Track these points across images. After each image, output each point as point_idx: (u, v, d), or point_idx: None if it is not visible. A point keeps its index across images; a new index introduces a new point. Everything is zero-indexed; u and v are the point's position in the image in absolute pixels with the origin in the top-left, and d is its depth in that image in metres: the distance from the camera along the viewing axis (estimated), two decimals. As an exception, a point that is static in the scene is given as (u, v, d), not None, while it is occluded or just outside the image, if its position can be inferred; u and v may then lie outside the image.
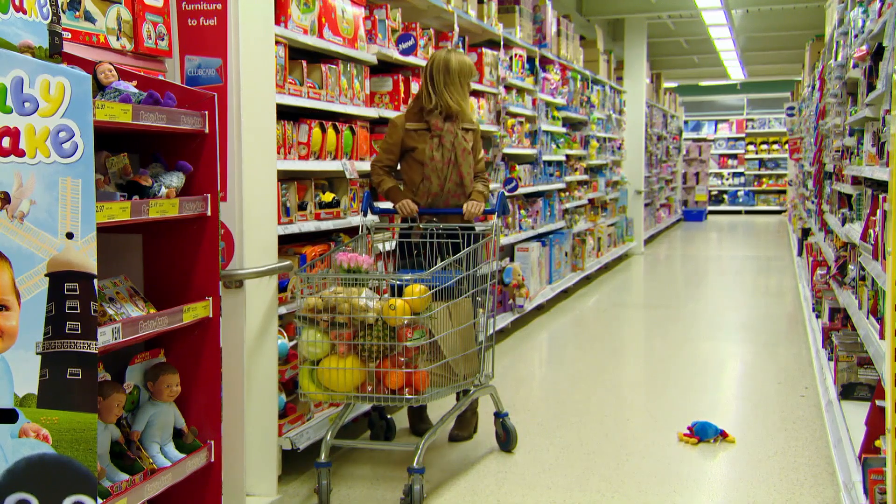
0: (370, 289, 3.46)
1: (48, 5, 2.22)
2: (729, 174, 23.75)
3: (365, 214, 4.10)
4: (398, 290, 3.62)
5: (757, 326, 7.54)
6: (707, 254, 14.07)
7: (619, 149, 12.53)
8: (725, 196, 23.65)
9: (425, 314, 3.41)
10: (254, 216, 3.26)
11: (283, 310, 3.75)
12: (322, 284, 3.52)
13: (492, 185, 6.42)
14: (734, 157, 23.81)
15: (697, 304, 8.93)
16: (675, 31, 15.27)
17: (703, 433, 4.22)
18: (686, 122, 23.16)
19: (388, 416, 4.18)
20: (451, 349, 3.58)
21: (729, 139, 23.92)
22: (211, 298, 2.69)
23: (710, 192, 22.49)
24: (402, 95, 5.02)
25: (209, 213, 2.65)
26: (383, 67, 4.98)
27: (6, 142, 1.89)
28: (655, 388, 5.49)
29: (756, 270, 11.68)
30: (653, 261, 12.64)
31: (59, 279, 1.91)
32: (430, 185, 4.07)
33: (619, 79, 13.19)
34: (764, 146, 23.56)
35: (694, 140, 22.91)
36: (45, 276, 1.91)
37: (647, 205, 14.28)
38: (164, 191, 2.43)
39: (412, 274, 3.51)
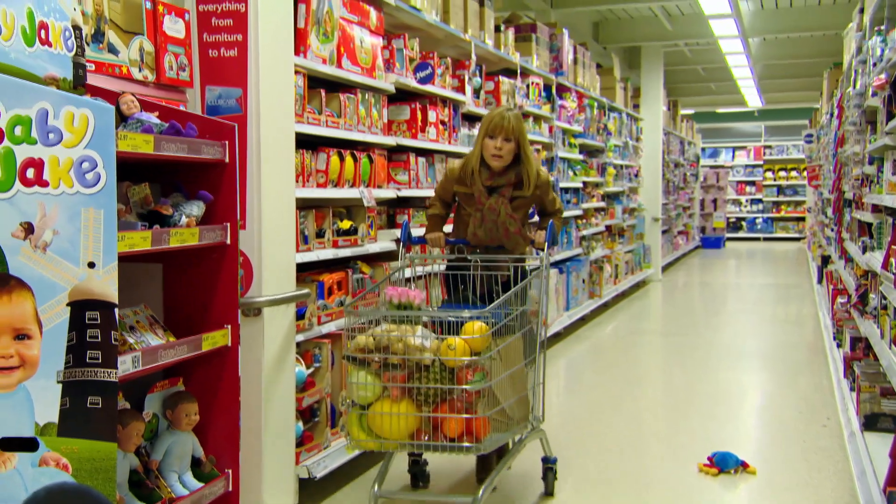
0: (424, 326, 3.25)
1: (73, 38, 2.26)
2: (747, 201, 23.66)
3: (405, 245, 3.88)
4: (449, 328, 3.34)
5: (777, 355, 7.46)
6: (725, 281, 13.98)
7: (636, 176, 12.52)
8: (744, 223, 23.54)
9: (486, 354, 3.17)
10: (272, 244, 3.28)
11: (300, 337, 3.75)
12: (371, 321, 3.26)
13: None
14: (752, 183, 23.72)
15: (716, 332, 8.86)
16: (692, 59, 15.30)
17: (723, 464, 4.17)
18: (703, 149, 23.12)
19: (425, 462, 3.97)
20: (505, 392, 3.35)
21: (747, 166, 23.85)
22: (230, 327, 2.70)
23: (728, 218, 22.39)
24: (420, 123, 5.05)
25: (228, 241, 2.67)
26: (401, 96, 5.01)
27: (30, 173, 1.91)
28: (675, 417, 5.43)
29: (775, 298, 11.59)
30: (671, 288, 12.58)
31: (81, 308, 1.93)
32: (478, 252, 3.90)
33: (636, 106, 13.22)
34: (782, 173, 23.47)
35: (711, 167, 22.86)
36: (67, 305, 1.92)
37: (664, 232, 14.24)
38: (184, 220, 2.45)
39: (468, 310, 3.30)
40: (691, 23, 12.25)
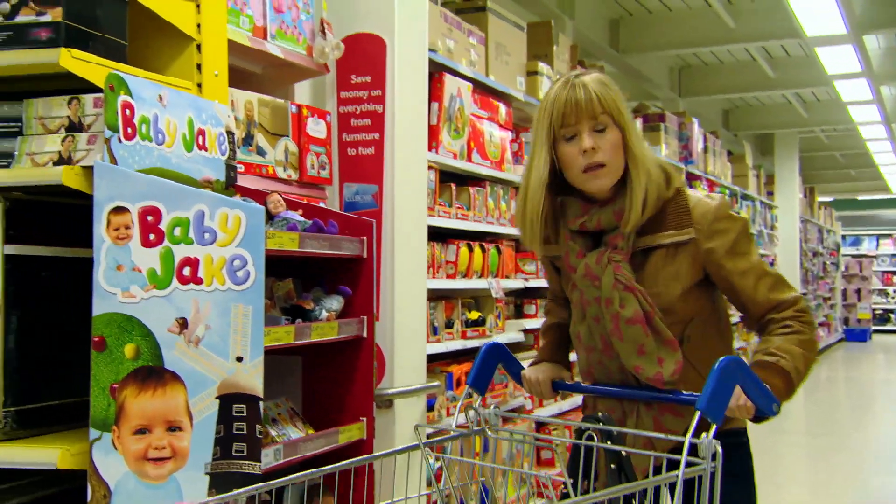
0: None
1: (226, 142, 2.42)
2: (895, 292, 22.30)
3: (480, 390, 2.12)
4: None
5: (937, 460, 6.89)
6: (873, 377, 13.10)
7: (772, 265, 12.07)
8: (892, 315, 22.12)
9: None
10: (404, 336, 3.32)
11: (429, 430, 3.75)
12: None
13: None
14: (900, 273, 22.41)
15: (866, 432, 8.27)
16: (829, 145, 14.81)
17: (882, 581, 3.83)
18: (844, 237, 22.09)
19: None
20: None
21: (893, 255, 22.57)
22: (365, 420, 2.73)
23: (873, 310, 21.12)
24: (548, 215, 5.08)
25: (365, 335, 2.73)
26: (530, 188, 5.07)
27: (187, 271, 2.04)
28: (823, 525, 5.06)
29: (931, 396, 10.77)
30: (813, 383, 11.89)
31: (229, 401, 2.00)
32: (594, 371, 2.09)
33: (770, 193, 12.85)
34: (934, 262, 22.09)
35: (853, 256, 21.77)
36: (216, 398, 2.00)
37: (803, 323, 13.56)
38: (324, 314, 2.53)
39: None
40: (828, 109, 11.91)
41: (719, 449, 1.53)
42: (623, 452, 1.78)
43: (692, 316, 1.97)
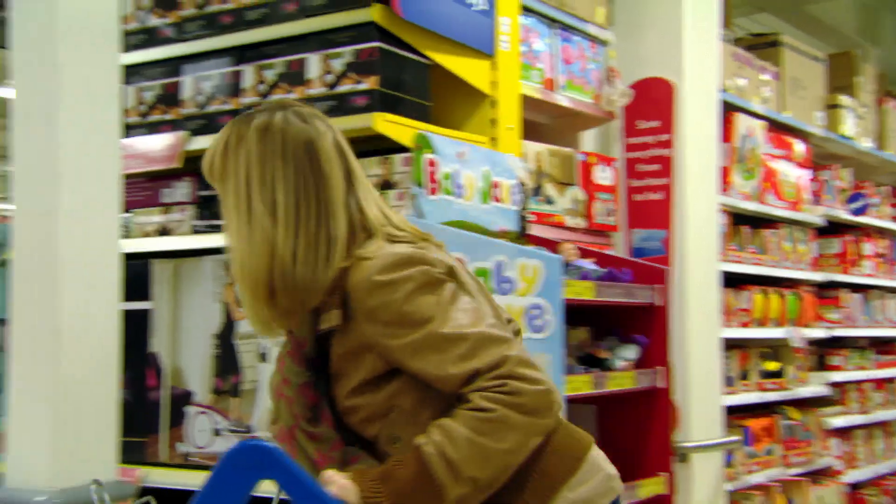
0: None
1: (519, 194, 2.49)
2: None
3: None
4: None
5: None
6: None
7: None
8: None
9: None
10: (699, 387, 3.19)
11: (729, 486, 3.54)
12: None
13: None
14: None
15: None
16: None
17: None
18: None
19: None
20: None
21: None
22: (666, 475, 2.64)
23: None
24: (853, 257, 4.71)
25: (661, 385, 2.65)
26: (831, 229, 4.73)
27: (488, 319, 2.09)
28: None
29: None
30: None
31: (530, 450, 2.02)
32: None
33: None
34: None
35: None
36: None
37: None
38: (620, 364, 2.49)
39: None
40: None
41: None
42: None
43: (386, 409, 1.39)
